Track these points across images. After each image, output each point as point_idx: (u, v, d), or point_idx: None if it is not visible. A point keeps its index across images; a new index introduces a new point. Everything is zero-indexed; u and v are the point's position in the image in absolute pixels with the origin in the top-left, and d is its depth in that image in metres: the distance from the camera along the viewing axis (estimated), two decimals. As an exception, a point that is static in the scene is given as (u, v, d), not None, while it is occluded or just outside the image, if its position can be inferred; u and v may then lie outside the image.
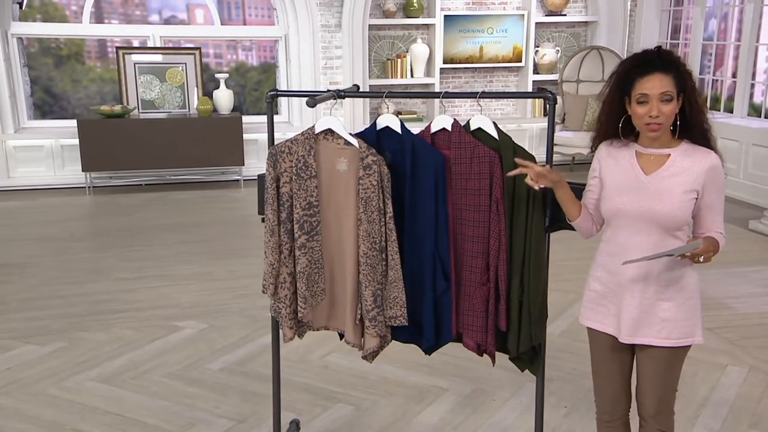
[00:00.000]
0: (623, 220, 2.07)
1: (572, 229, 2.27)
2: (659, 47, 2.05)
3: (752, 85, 7.28)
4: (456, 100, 8.40)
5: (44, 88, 7.97)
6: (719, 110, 7.59)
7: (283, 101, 8.24)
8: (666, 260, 2.05)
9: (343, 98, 2.42)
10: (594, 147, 2.20)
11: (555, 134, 2.20)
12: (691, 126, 2.04)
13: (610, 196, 2.11)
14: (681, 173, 2.02)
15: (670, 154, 2.05)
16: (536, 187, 2.12)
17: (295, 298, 2.45)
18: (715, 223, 2.08)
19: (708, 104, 2.09)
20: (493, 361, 2.41)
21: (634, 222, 2.06)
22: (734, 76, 7.42)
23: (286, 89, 7.80)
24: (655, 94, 1.97)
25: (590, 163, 2.24)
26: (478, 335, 2.36)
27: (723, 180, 2.05)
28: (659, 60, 2.00)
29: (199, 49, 7.71)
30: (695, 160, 2.02)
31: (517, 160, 2.15)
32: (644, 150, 2.09)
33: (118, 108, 7.25)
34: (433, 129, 2.34)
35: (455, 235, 2.34)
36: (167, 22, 8.07)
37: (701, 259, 1.99)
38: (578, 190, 2.25)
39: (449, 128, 2.31)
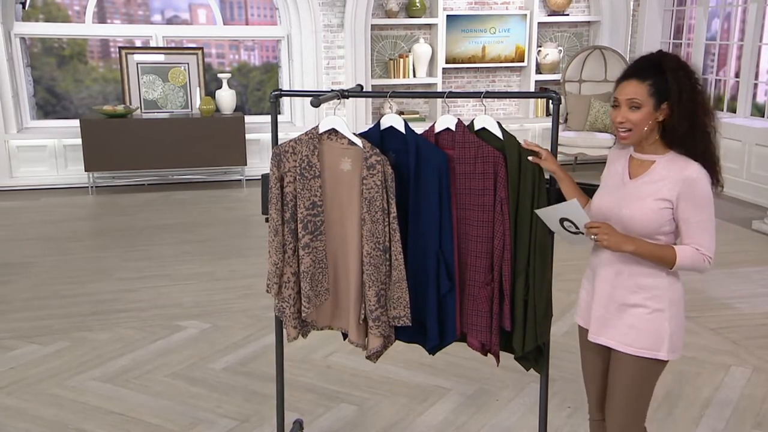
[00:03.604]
0: (600, 219, 2.06)
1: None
2: (660, 51, 2.01)
3: (755, 85, 7.27)
4: (458, 100, 8.40)
5: (47, 87, 7.97)
6: (722, 110, 7.58)
7: (285, 101, 8.24)
8: (639, 265, 2.01)
9: (347, 98, 2.42)
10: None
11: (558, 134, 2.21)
12: (675, 135, 1.97)
13: (597, 195, 2.14)
14: (659, 181, 1.98)
15: (654, 161, 2.02)
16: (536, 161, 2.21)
17: (298, 298, 2.45)
18: (692, 238, 1.96)
19: (710, 116, 1.98)
20: (498, 361, 2.41)
21: (608, 222, 2.04)
22: (737, 76, 7.41)
23: (288, 89, 7.80)
24: (623, 100, 1.97)
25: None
26: (483, 335, 2.35)
27: (703, 194, 1.93)
28: (643, 66, 1.97)
29: (201, 49, 7.72)
30: (672, 170, 1.97)
31: (526, 141, 2.25)
32: (636, 155, 2.08)
33: (120, 108, 7.25)
34: (437, 129, 2.34)
35: (459, 234, 2.34)
36: (170, 22, 8.07)
37: (593, 237, 1.96)
38: (587, 190, 2.25)
39: (453, 128, 2.30)
